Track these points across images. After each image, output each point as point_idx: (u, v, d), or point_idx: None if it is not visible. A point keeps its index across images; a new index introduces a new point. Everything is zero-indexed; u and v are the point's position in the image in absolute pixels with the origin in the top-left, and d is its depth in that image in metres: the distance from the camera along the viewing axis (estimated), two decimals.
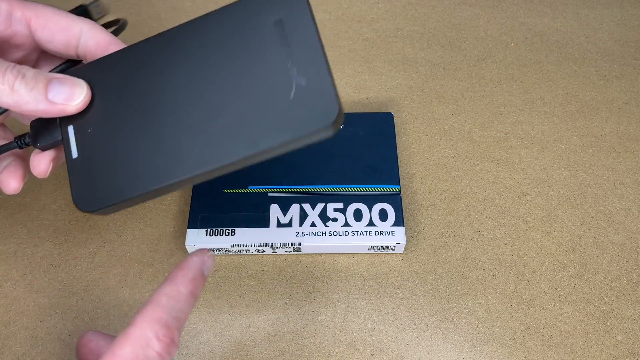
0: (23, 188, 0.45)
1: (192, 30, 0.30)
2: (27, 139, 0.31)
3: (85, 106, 0.29)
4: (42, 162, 0.31)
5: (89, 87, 0.29)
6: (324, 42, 0.55)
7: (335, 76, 0.52)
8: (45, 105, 0.28)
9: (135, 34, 0.55)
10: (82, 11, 0.51)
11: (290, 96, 0.27)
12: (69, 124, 0.30)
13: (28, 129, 0.31)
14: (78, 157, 0.29)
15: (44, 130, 0.30)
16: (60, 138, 0.30)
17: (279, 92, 0.27)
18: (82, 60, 0.33)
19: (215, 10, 0.30)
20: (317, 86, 0.26)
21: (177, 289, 0.26)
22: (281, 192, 0.42)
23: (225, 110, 0.28)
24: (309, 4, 0.27)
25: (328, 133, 0.26)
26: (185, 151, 0.28)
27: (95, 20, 0.52)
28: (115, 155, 0.29)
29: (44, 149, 0.31)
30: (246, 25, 0.28)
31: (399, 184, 0.43)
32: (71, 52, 0.32)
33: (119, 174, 0.28)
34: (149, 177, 0.28)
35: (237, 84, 0.28)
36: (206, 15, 0.30)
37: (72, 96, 0.29)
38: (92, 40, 0.32)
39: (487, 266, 0.41)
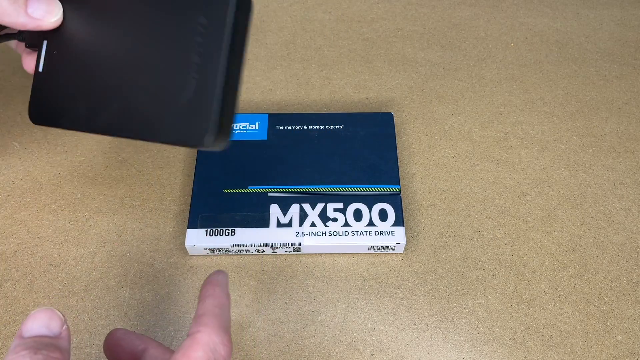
0: (23, 188, 0.45)
1: None
2: (23, 36, 0.35)
3: (58, 24, 0.32)
4: (28, 60, 0.35)
5: (60, 6, 0.32)
6: (324, 42, 0.55)
7: (335, 76, 0.52)
8: (24, 19, 0.31)
9: None
10: None
11: (180, 99, 0.28)
12: (45, 38, 0.33)
13: None
14: (42, 72, 0.33)
15: (33, 34, 0.34)
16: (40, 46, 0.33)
17: (175, 87, 0.28)
18: None
19: None
20: (201, 104, 0.27)
21: (221, 301, 0.28)
22: (281, 192, 0.42)
23: (136, 80, 0.30)
24: (230, 13, 0.27)
25: (208, 148, 0.27)
26: (105, 107, 0.30)
27: None
28: (63, 85, 0.32)
29: (31, 48, 0.34)
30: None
31: (399, 184, 0.43)
32: None
33: (61, 102, 0.32)
34: (79, 119, 0.31)
35: (153, 59, 0.29)
36: None
37: (49, 12, 0.31)
38: None
39: (487, 266, 0.41)
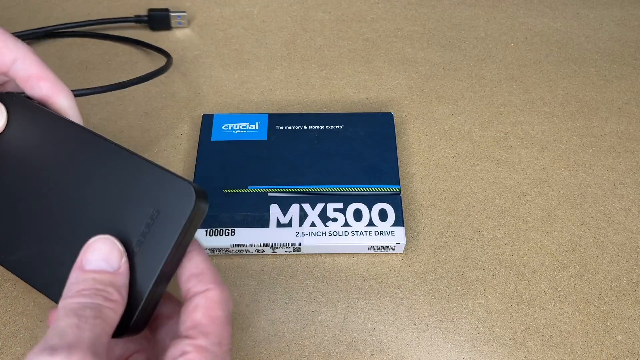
0: None
1: (104, 149, 0.29)
2: None
3: None
4: None
5: (5, 116, 0.30)
6: (324, 42, 0.55)
7: (335, 76, 0.52)
8: None
9: (173, 34, 0.55)
10: (164, 15, 0.55)
11: None
12: None
13: None
14: None
15: None
16: None
17: None
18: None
19: (130, 153, 0.29)
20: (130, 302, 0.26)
21: (205, 256, 0.27)
22: (281, 192, 0.42)
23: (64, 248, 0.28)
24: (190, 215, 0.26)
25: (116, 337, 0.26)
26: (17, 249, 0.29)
27: (170, 28, 0.55)
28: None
29: None
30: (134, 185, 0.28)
31: (399, 184, 0.43)
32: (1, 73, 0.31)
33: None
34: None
35: (84, 221, 0.28)
36: (121, 149, 0.29)
37: None
38: (23, 71, 0.30)
39: (487, 266, 0.41)
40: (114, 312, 0.24)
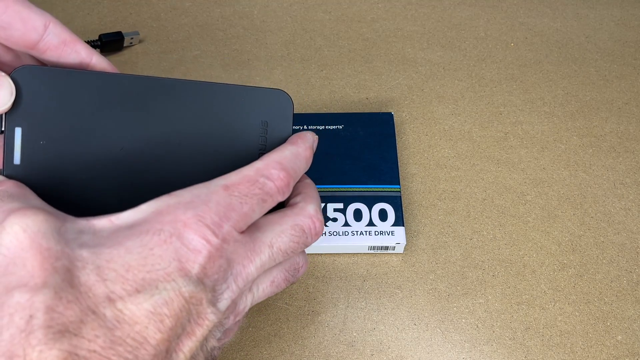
0: None
1: (182, 89, 0.30)
2: None
3: (6, 111, 0.28)
4: None
5: (12, 90, 0.28)
6: (324, 42, 0.55)
7: (335, 76, 0.52)
8: None
9: (128, 51, 0.55)
10: (119, 36, 0.53)
11: None
12: (17, 125, 0.28)
13: None
14: (20, 165, 0.28)
15: None
16: None
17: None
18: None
19: (214, 83, 0.31)
20: None
21: (298, 150, 0.29)
22: None
23: (165, 183, 0.28)
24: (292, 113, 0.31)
25: None
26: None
27: (123, 47, 0.53)
28: (59, 181, 0.28)
29: None
30: (237, 110, 0.31)
31: (399, 184, 0.43)
32: (27, 47, 0.29)
33: (57, 198, 0.28)
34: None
35: (199, 162, 0.30)
36: (202, 82, 0.30)
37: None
38: (58, 36, 0.29)
39: (487, 266, 0.41)
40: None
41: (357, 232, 0.41)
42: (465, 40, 0.55)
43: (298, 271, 0.30)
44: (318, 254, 0.42)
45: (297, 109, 0.50)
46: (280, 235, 0.27)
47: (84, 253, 0.23)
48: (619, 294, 0.40)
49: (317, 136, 0.31)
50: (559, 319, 0.39)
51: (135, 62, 0.53)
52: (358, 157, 0.44)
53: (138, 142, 0.29)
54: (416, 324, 0.39)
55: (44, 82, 0.28)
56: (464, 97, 0.51)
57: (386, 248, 0.41)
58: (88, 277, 0.22)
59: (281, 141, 0.31)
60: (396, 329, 0.39)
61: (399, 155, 0.46)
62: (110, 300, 0.22)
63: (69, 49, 0.29)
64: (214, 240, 0.24)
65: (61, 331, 0.21)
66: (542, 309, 0.40)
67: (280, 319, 0.39)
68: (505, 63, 0.54)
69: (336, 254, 0.42)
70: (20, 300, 0.21)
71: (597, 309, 0.40)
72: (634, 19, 0.57)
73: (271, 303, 0.40)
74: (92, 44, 0.52)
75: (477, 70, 0.53)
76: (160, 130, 0.29)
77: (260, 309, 0.39)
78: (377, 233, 0.41)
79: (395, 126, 0.47)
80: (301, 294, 0.40)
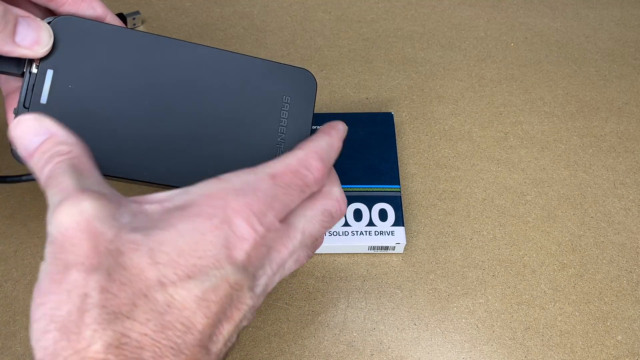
0: (23, 188, 0.45)
1: (214, 57, 0.31)
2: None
3: (46, 54, 0.29)
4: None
5: (51, 35, 0.29)
6: (324, 42, 0.55)
7: (335, 76, 0.52)
8: (10, 47, 0.28)
9: None
10: (121, 18, 0.54)
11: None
12: (49, 67, 0.29)
13: None
14: (46, 104, 0.29)
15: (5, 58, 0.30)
16: (20, 72, 0.29)
17: (254, 152, 0.31)
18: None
19: (242, 55, 0.32)
20: None
21: (332, 141, 0.30)
22: None
23: (197, 142, 0.30)
24: (315, 92, 0.33)
25: None
26: (146, 155, 0.30)
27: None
28: (87, 126, 0.29)
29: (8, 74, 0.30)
30: (262, 82, 0.32)
31: (399, 184, 0.43)
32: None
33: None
34: (112, 163, 0.30)
35: (220, 126, 0.31)
36: (231, 52, 0.32)
37: (38, 41, 0.29)
38: None
39: (487, 266, 0.41)
40: (81, 159, 0.26)
41: (357, 232, 0.41)
42: (465, 40, 0.55)
43: (317, 247, 0.31)
44: (318, 254, 0.42)
45: None
46: (312, 221, 0.28)
47: (137, 236, 0.23)
48: (619, 294, 0.40)
49: (347, 127, 0.32)
50: (559, 319, 0.39)
51: None
52: (358, 157, 0.44)
53: (164, 104, 0.30)
54: (416, 324, 0.39)
55: (80, 33, 0.30)
56: (464, 97, 0.51)
57: (386, 248, 0.41)
58: (140, 259, 0.23)
59: (301, 119, 0.32)
60: (396, 329, 0.39)
61: (399, 155, 0.46)
62: (162, 284, 0.22)
63: (86, 4, 0.31)
64: (260, 229, 0.25)
65: (115, 312, 0.21)
66: (542, 309, 0.40)
67: (280, 319, 0.39)
68: (505, 63, 0.54)
69: (336, 254, 0.42)
70: (77, 278, 0.22)
71: (597, 309, 0.40)
72: (634, 19, 0.57)
73: (271, 303, 0.40)
74: None
75: (477, 70, 0.53)
76: (187, 95, 0.31)
77: (260, 309, 0.39)
78: (377, 233, 0.41)
79: (395, 126, 0.47)
80: (301, 294, 0.40)
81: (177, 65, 0.31)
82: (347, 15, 0.58)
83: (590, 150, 0.48)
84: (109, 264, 0.22)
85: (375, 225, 0.41)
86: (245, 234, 0.24)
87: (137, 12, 0.55)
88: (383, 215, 0.41)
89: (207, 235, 0.24)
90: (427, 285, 0.41)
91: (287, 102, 0.32)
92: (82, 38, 0.30)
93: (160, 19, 0.56)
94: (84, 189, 0.24)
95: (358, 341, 0.38)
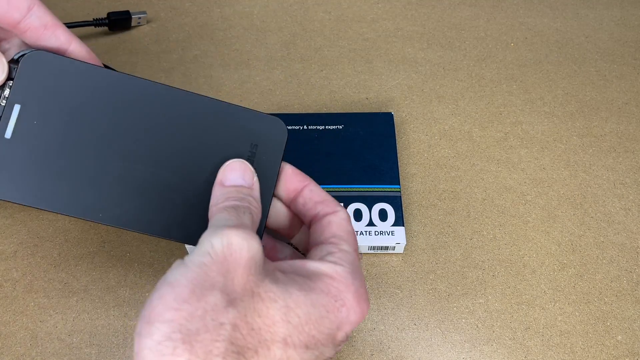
0: None
1: (181, 99, 0.31)
2: None
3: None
4: None
5: (4, 70, 0.29)
6: (324, 42, 0.55)
7: (335, 76, 0.52)
8: None
9: (135, 34, 0.55)
10: (126, 15, 0.55)
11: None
12: (17, 102, 0.29)
13: None
14: (10, 139, 0.29)
15: None
16: None
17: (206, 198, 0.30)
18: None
19: (206, 98, 0.32)
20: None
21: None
22: None
23: (161, 183, 0.30)
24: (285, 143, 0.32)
25: None
26: (104, 194, 0.30)
27: (130, 27, 0.55)
28: (49, 162, 0.29)
29: None
30: (228, 127, 0.31)
31: (399, 184, 0.43)
32: (9, 25, 0.30)
33: (39, 179, 0.29)
34: (52, 198, 0.29)
35: (185, 170, 0.30)
36: (196, 95, 0.31)
37: None
38: (39, 20, 0.30)
39: (487, 266, 0.41)
40: (257, 217, 0.28)
41: (357, 232, 0.41)
42: (465, 40, 0.55)
43: None
44: None
45: (297, 109, 0.50)
46: None
47: (277, 288, 0.25)
48: (619, 294, 0.40)
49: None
50: (559, 319, 0.39)
51: (142, 42, 0.53)
52: (358, 157, 0.44)
53: (129, 145, 0.30)
54: (416, 324, 0.39)
55: (51, 69, 0.29)
56: (464, 97, 0.51)
57: (386, 248, 0.41)
58: (275, 312, 0.24)
59: (268, 167, 0.31)
60: (396, 329, 0.39)
61: (399, 155, 0.46)
62: (285, 343, 0.24)
63: (49, 32, 0.30)
64: (366, 313, 0.27)
65: (239, 352, 0.22)
66: (542, 309, 0.40)
67: None
68: (505, 63, 0.54)
69: None
70: (217, 304, 0.23)
71: (597, 309, 0.40)
72: (634, 19, 0.57)
73: None
74: (100, 21, 0.54)
75: (477, 70, 0.53)
76: (153, 136, 0.30)
77: None
78: (377, 233, 0.41)
79: (395, 126, 0.47)
80: None
81: (146, 106, 0.30)
82: (347, 15, 0.58)
83: (590, 150, 0.48)
84: (247, 305, 0.23)
85: (375, 225, 0.41)
86: (354, 318, 0.26)
87: (144, 12, 0.55)
88: (383, 215, 0.41)
89: (330, 315, 0.25)
90: (427, 285, 0.41)
91: (253, 150, 0.31)
92: (52, 74, 0.29)
93: (160, 19, 0.56)
94: (252, 231, 0.26)
95: (358, 341, 0.38)
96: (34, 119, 0.29)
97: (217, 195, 0.28)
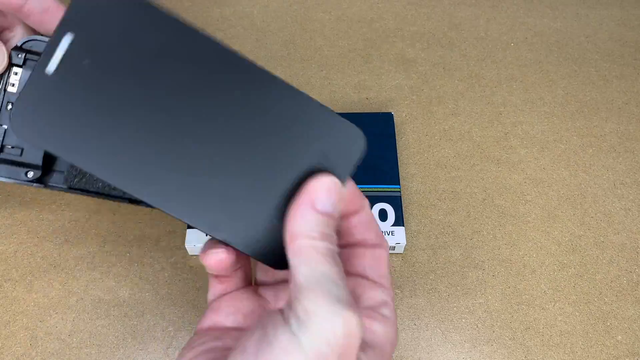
0: (23, 187, 0.45)
1: (258, 77, 0.26)
2: None
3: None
4: None
5: (4, 59, 0.29)
6: (324, 42, 0.55)
7: (335, 76, 0.52)
8: None
9: None
10: None
11: (275, 224, 0.26)
12: (69, 31, 0.23)
13: None
14: (53, 74, 0.23)
15: None
16: None
17: (273, 209, 0.26)
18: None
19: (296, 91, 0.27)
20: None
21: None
22: None
23: (224, 169, 0.26)
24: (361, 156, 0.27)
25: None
26: (162, 178, 0.25)
27: None
28: (83, 112, 0.24)
29: None
30: (303, 122, 0.27)
31: (399, 184, 0.43)
32: (12, 9, 0.30)
33: (85, 129, 0.24)
34: (110, 168, 0.24)
35: (250, 159, 0.26)
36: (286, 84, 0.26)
37: None
38: (39, 4, 0.30)
39: (487, 266, 0.41)
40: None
41: None
42: (465, 40, 0.55)
43: None
44: None
45: None
46: None
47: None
48: (619, 294, 0.40)
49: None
50: (559, 319, 0.39)
51: None
52: None
53: (194, 115, 0.25)
54: (416, 324, 0.39)
55: (116, 10, 0.24)
56: (464, 97, 0.51)
57: None
58: None
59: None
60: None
61: (399, 155, 0.46)
62: None
63: (50, 16, 0.30)
64: None
65: None
66: (542, 309, 0.40)
67: None
68: (505, 63, 0.54)
69: None
70: None
71: (597, 309, 0.40)
72: (634, 19, 0.57)
73: None
74: None
75: (477, 70, 0.53)
76: (224, 111, 0.26)
77: None
78: None
79: (395, 126, 0.47)
80: None
81: (216, 75, 0.25)
82: (347, 15, 0.58)
83: (590, 150, 0.48)
84: None
85: None
86: None
87: None
88: (383, 215, 0.41)
89: None
90: (427, 285, 0.41)
91: (322, 161, 0.26)
92: (117, 15, 0.24)
93: None
94: (355, 306, 0.23)
95: None
96: (86, 58, 0.24)
97: (308, 220, 0.24)
